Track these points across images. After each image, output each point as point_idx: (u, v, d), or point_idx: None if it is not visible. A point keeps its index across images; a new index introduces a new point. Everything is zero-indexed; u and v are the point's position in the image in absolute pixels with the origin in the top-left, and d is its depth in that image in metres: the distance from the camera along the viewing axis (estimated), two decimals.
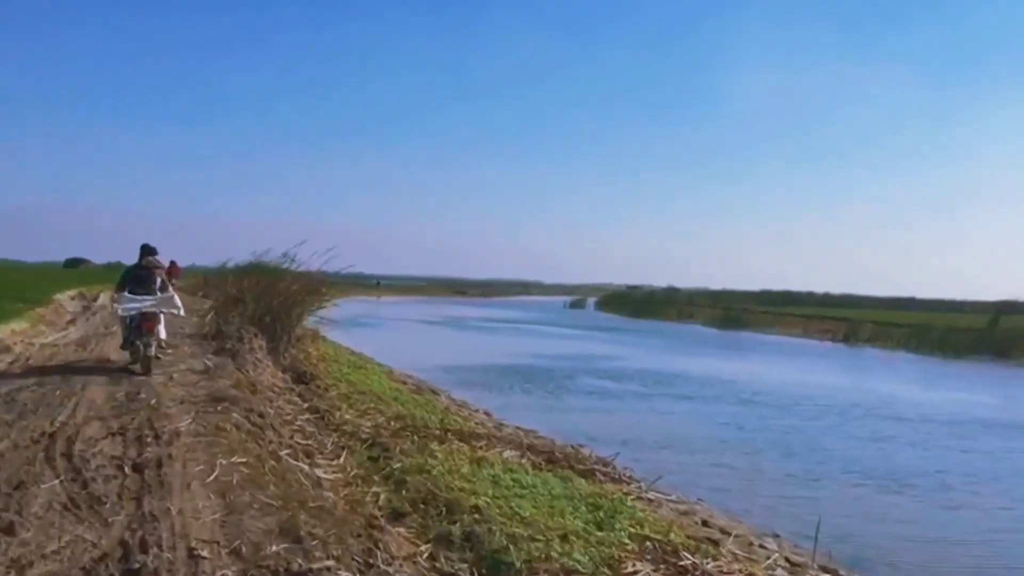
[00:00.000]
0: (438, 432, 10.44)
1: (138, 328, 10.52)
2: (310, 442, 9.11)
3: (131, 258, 11.66)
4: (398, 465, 8.09)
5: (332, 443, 9.35)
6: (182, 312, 11.42)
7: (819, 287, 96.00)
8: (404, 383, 18.42)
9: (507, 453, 9.73)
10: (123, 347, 10.93)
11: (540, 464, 9.46)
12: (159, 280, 11.03)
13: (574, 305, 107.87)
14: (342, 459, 8.61)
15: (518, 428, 14.28)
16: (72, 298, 22.18)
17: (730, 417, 18.28)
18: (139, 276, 10.95)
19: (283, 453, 7.96)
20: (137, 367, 10.45)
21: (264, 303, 15.76)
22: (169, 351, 12.55)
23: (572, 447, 12.85)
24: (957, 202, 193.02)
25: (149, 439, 7.13)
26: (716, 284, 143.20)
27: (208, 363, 11.28)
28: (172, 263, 42.90)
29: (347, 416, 10.99)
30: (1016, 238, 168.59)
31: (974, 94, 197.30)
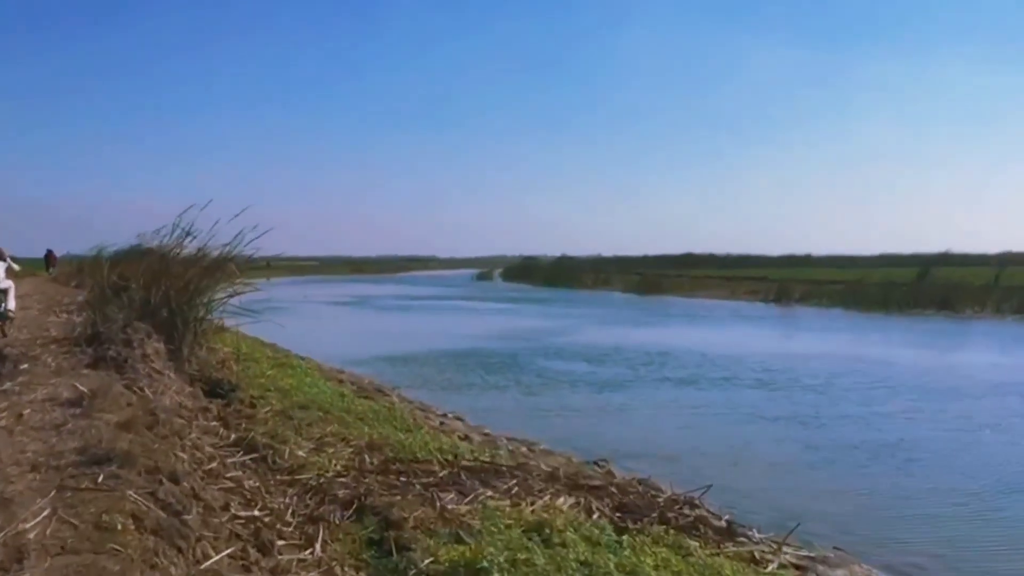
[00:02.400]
0: (446, 471, 7.06)
1: None
2: (258, 512, 5.64)
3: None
4: (428, 561, 4.72)
5: (291, 508, 5.90)
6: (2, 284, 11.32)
7: (716, 249, 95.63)
8: (340, 382, 14.83)
9: (560, 501, 6.46)
10: None
11: (620, 520, 6.22)
12: None
13: (481, 277, 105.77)
14: (318, 546, 5.21)
15: (512, 439, 11.07)
16: None
17: (771, 408, 14.87)
18: None
19: (226, 555, 4.51)
20: None
21: (159, 291, 11.82)
22: (24, 366, 8.70)
23: (597, 464, 9.80)
24: (844, 162, 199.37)
25: None
26: (608, 250, 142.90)
27: (81, 387, 7.43)
28: (49, 251, 39.47)
29: (299, 452, 7.50)
30: (902, 193, 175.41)
31: (848, 57, 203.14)
